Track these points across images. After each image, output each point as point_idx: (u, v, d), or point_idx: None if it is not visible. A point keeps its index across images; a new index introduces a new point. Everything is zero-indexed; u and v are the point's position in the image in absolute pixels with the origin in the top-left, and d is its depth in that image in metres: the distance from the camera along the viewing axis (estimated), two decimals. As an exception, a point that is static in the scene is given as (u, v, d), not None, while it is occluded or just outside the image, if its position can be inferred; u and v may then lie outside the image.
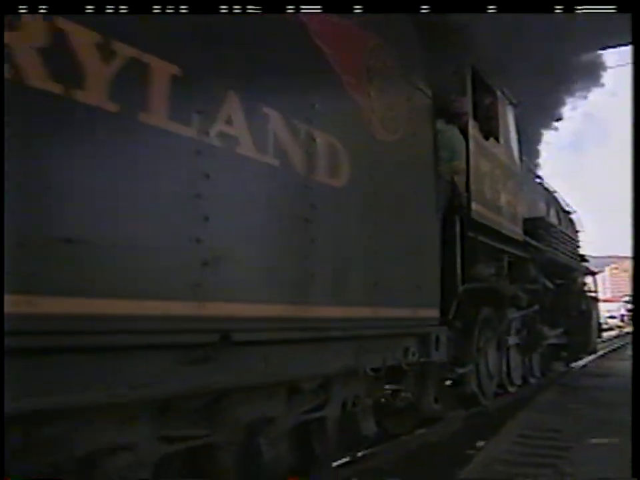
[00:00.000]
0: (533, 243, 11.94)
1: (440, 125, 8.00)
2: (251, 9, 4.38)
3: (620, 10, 4.78)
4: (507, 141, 10.56)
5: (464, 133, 8.46)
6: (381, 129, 6.56)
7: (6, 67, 3.17)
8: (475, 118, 8.87)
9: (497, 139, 9.81)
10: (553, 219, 14.90)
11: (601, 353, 21.08)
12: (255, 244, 4.71)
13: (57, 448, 3.44)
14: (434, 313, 7.48)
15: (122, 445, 3.77)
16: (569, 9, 4.81)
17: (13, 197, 3.10)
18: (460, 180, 8.23)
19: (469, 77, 8.95)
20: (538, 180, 14.39)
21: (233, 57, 4.67)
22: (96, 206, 3.50)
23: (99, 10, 3.89)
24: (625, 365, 20.66)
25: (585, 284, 18.53)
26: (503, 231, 9.90)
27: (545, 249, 12.69)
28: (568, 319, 15.51)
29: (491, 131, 9.54)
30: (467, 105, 8.67)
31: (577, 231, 18.14)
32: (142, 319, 3.68)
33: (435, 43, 7.72)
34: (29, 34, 3.40)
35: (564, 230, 15.82)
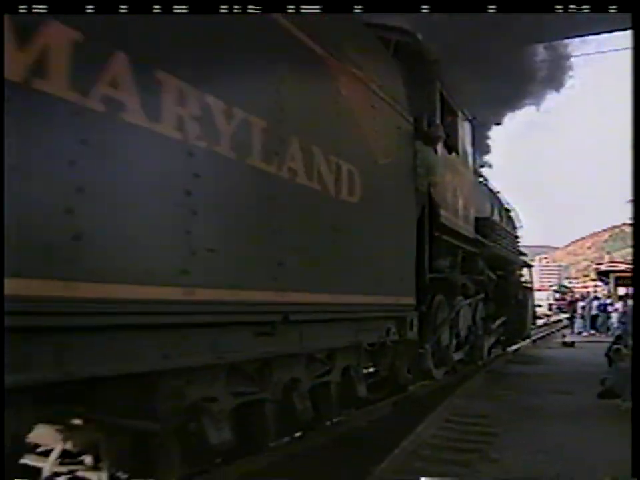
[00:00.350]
0: (481, 239, 13.85)
1: (418, 145, 9.85)
2: (251, 9, 4.63)
3: (620, 10, 4.81)
4: (464, 152, 12.76)
5: (435, 151, 10.47)
6: (380, 155, 8.37)
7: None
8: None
9: (456, 152, 12.00)
10: (496, 217, 16.88)
11: (528, 341, 23.26)
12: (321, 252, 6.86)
13: (178, 397, 5.07)
14: (411, 300, 9.51)
15: (210, 398, 5.41)
16: (569, 9, 4.81)
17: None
18: (434, 191, 10.32)
19: (439, 103, 11.07)
20: (484, 181, 16.56)
21: (299, 108, 6.47)
22: None
23: (99, 10, 3.97)
24: (551, 352, 21.18)
25: (522, 275, 21.22)
26: (460, 231, 12.03)
27: (490, 244, 14.60)
28: (507, 307, 17.33)
29: (452, 145, 11.65)
30: (441, 130, 10.54)
31: (515, 227, 20.38)
32: (237, 304, 5.39)
33: (412, 75, 9.83)
34: None
35: (505, 227, 17.94)
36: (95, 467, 5.31)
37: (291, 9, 4.68)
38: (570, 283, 71.90)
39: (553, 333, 33.07)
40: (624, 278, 42.72)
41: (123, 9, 4.02)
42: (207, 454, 5.54)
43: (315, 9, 4.67)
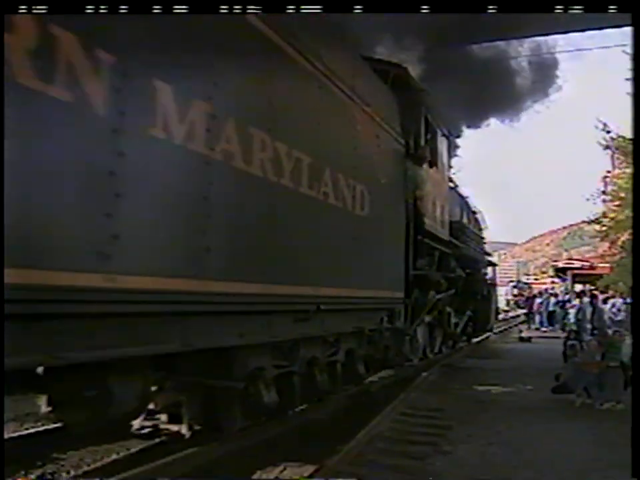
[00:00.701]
0: (454, 241, 15.80)
1: (408, 164, 11.88)
2: (251, 8, 4.93)
3: (620, 10, 4.83)
4: (441, 164, 14.42)
5: (421, 168, 12.46)
6: (382, 175, 10.30)
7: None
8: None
9: (436, 166, 13.67)
10: (465, 220, 18.73)
11: (491, 333, 24.67)
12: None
13: (244, 367, 6.94)
14: (401, 294, 11.39)
15: (261, 368, 7.22)
16: (569, 9, 4.82)
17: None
18: (419, 203, 12.18)
19: (424, 126, 12.82)
20: (455, 187, 18.05)
21: (329, 145, 8.39)
22: None
23: (99, 10, 4.08)
24: (508, 347, 21.42)
25: (486, 273, 23.18)
26: (439, 235, 13.95)
27: (461, 245, 16.78)
28: (474, 302, 19.23)
29: (432, 160, 13.26)
30: (426, 151, 12.68)
31: (480, 229, 22.29)
32: (283, 296, 7.12)
33: (403, 102, 11.57)
34: None
35: (473, 229, 20.10)
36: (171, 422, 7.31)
37: (290, 9, 4.74)
38: (528, 279, 72.73)
39: (510, 328, 33.44)
40: (581, 275, 43.42)
41: (123, 8, 4.15)
42: (261, 410, 7.42)
43: (314, 9, 4.80)
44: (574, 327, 18.43)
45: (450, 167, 16.12)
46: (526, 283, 64.45)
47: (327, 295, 8.10)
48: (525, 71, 25.70)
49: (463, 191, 19.52)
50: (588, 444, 8.07)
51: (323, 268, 8.06)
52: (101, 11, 4.04)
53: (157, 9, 4.27)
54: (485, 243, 22.98)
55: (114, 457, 7.16)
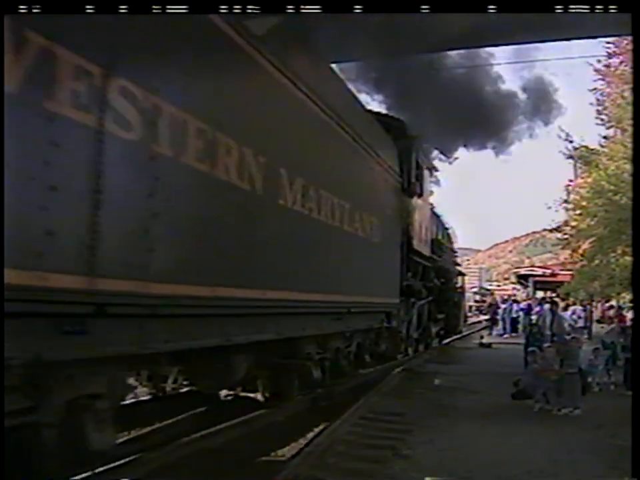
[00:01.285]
0: (433, 256, 19.11)
1: (403, 198, 14.91)
2: (251, 9, 4.88)
3: (620, 10, 4.86)
4: (425, 194, 17.48)
5: (411, 199, 15.67)
6: (387, 208, 13.37)
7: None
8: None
9: (421, 195, 16.67)
10: (440, 236, 21.83)
11: (460, 335, 27.26)
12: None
13: (302, 351, 9.53)
14: (397, 300, 14.38)
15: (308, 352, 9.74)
16: (569, 9, 4.83)
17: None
18: (410, 228, 15.43)
19: (414, 166, 15.84)
20: (432, 208, 20.34)
21: (355, 188, 11.14)
22: None
23: (99, 10, 4.14)
24: (469, 353, 21.56)
25: (457, 282, 26.55)
26: (423, 252, 17.34)
27: (437, 259, 19.92)
28: (446, 307, 22.14)
29: (419, 193, 16.35)
30: (417, 187, 15.94)
31: (452, 243, 25.96)
32: (328, 302, 9.78)
33: (399, 147, 14.64)
34: None
35: (446, 244, 23.45)
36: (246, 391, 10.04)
37: (290, 9, 4.72)
38: (490, 285, 73.36)
39: (472, 333, 33.62)
40: (542, 282, 43.86)
41: (123, 9, 4.18)
42: (311, 383, 10.10)
43: (315, 9, 4.77)
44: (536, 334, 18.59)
45: (431, 192, 19.30)
46: (487, 289, 64.97)
47: (353, 301, 10.98)
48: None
49: (438, 210, 22.24)
50: (545, 449, 8.15)
51: (351, 281, 10.90)
52: (101, 11, 4.10)
53: (156, 9, 4.32)
54: (456, 256, 27.32)
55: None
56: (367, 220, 11.56)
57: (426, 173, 17.50)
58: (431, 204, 19.78)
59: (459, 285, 26.92)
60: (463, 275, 29.24)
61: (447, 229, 24.32)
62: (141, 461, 6.42)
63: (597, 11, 4.88)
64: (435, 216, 21.03)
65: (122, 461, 6.22)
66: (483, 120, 23.02)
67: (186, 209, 5.89)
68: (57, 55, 4.29)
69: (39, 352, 4.25)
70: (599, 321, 28.26)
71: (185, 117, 5.75)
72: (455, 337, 25.53)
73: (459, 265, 28.11)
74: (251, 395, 9.90)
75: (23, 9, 3.70)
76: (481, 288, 67.01)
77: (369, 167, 12.02)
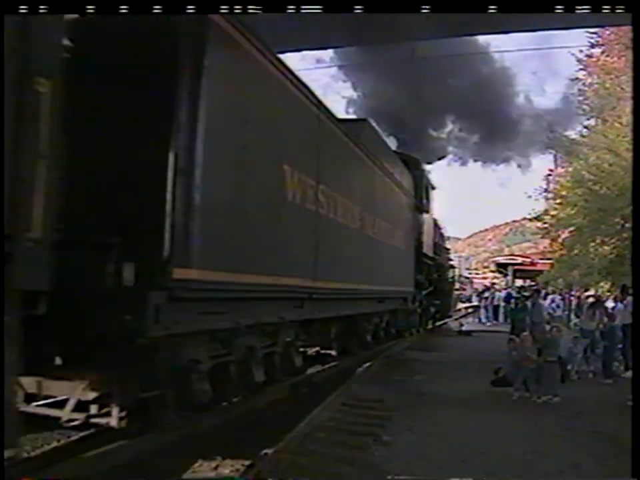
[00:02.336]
0: (434, 256, 24.50)
1: (416, 214, 20.17)
2: (251, 8, 4.94)
3: (620, 10, 4.83)
4: (430, 209, 23.57)
5: (421, 215, 21.53)
6: (407, 222, 18.77)
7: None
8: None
9: (428, 212, 22.80)
10: (437, 239, 26.59)
11: (450, 320, 31.35)
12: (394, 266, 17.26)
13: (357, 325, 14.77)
14: (412, 289, 19.58)
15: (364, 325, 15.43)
16: (569, 9, 4.80)
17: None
18: (420, 237, 20.93)
19: (424, 189, 22.01)
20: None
21: (386, 209, 15.95)
22: None
23: (99, 10, 4.23)
24: (449, 341, 21.64)
25: (449, 274, 31.75)
26: (429, 254, 22.92)
27: (436, 258, 25.40)
28: (441, 295, 27.03)
29: (427, 209, 22.58)
30: (426, 205, 22.25)
31: (444, 240, 30.87)
32: (370, 291, 14.42)
33: (413, 176, 19.88)
34: None
35: (441, 243, 28.48)
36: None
37: (291, 9, 4.75)
38: (470, 273, 73.59)
39: (446, 324, 33.85)
40: (521, 271, 44.14)
41: (123, 9, 4.24)
42: (366, 344, 15.46)
43: (315, 8, 4.81)
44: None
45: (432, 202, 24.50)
46: (467, 278, 65.19)
47: (387, 290, 15.80)
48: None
49: (436, 216, 26.53)
50: (524, 436, 8.20)
51: (386, 276, 15.63)
52: (101, 11, 4.17)
53: (157, 9, 4.37)
54: (449, 253, 33.45)
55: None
56: (396, 233, 16.95)
57: (431, 190, 23.85)
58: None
59: (450, 276, 32.22)
60: (453, 267, 35.82)
61: (440, 228, 28.79)
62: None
63: (597, 11, 4.88)
64: (435, 224, 25.96)
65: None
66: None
67: (307, 236, 9.99)
68: (301, 178, 9.37)
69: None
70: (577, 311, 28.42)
71: (334, 194, 11.13)
72: (446, 319, 30.44)
73: (451, 259, 34.68)
74: (330, 351, 14.14)
75: (23, 9, 3.75)
76: (461, 276, 67.20)
77: (398, 195, 17.51)
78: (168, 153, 6.15)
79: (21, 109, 4.19)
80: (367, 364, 12.81)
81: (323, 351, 14.00)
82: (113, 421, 6.54)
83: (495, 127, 29.46)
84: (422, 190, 21.44)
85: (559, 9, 4.81)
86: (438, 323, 27.58)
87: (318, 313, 10.79)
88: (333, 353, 13.92)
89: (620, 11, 4.79)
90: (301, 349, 11.06)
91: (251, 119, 7.58)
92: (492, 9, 4.78)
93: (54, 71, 4.55)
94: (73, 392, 6.45)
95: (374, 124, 16.72)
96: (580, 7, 4.81)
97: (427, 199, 22.50)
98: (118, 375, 6.23)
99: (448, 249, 32.74)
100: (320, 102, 10.17)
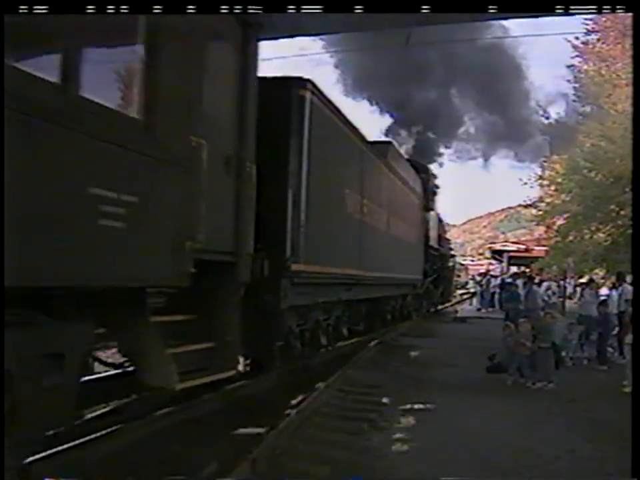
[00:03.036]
0: (439, 247, 28.06)
1: (424, 213, 24.04)
2: (252, 8, 5.07)
3: (621, 10, 4.80)
4: (434, 207, 27.35)
5: (428, 213, 25.35)
6: (417, 221, 22.32)
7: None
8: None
9: (433, 210, 26.53)
10: (440, 231, 29.36)
11: (449, 304, 34.68)
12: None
13: (385, 304, 18.70)
14: (421, 276, 23.22)
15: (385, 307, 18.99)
16: (569, 9, 4.79)
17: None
18: (427, 231, 24.60)
19: (430, 192, 25.74)
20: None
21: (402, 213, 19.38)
22: None
23: (99, 10, 4.23)
24: (444, 327, 21.69)
25: (450, 263, 34.55)
26: (434, 246, 26.42)
27: (440, 249, 28.88)
28: (443, 281, 29.98)
29: (432, 208, 26.26)
30: (432, 204, 26.44)
31: (445, 232, 33.50)
32: (398, 278, 18.79)
33: (422, 180, 23.22)
34: None
35: (443, 235, 31.40)
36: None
37: (291, 8, 4.77)
38: (464, 260, 73.64)
39: (446, 308, 33.95)
40: (516, 257, 44.20)
41: (124, 8, 4.27)
42: (386, 323, 18.80)
43: (315, 9, 4.83)
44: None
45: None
46: (462, 264, 65.24)
47: (402, 277, 19.07)
48: None
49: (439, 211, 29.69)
50: (520, 422, 8.24)
51: (402, 265, 18.66)
52: (101, 10, 4.20)
53: (157, 9, 4.42)
54: (450, 243, 36.09)
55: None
56: (410, 230, 20.30)
57: (436, 190, 27.82)
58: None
59: (450, 265, 34.70)
60: (454, 257, 38.53)
61: (441, 221, 30.76)
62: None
63: (597, 11, 4.90)
64: (439, 219, 28.96)
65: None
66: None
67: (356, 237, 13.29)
68: (353, 196, 12.83)
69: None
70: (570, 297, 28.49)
71: (371, 205, 14.32)
72: (447, 304, 33.71)
73: (452, 249, 37.27)
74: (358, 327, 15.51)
75: (22, 8, 3.76)
76: (455, 263, 67.25)
77: (411, 199, 20.82)
78: (287, 191, 9.58)
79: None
80: (363, 350, 12.88)
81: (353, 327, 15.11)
82: (240, 367, 8.65)
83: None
84: (429, 191, 25.19)
85: (559, 8, 4.81)
86: (439, 307, 30.51)
87: (359, 295, 14.31)
88: (360, 328, 15.83)
89: (620, 11, 4.77)
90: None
91: (329, 161, 11.13)
92: (492, 8, 4.81)
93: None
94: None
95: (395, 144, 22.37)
96: (579, 7, 4.80)
97: (433, 198, 26.53)
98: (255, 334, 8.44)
99: (449, 240, 35.62)
100: (363, 137, 13.74)
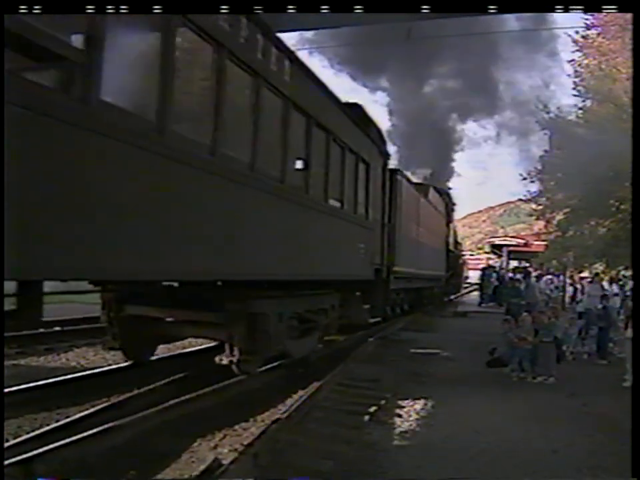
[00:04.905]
0: (453, 250, 33.71)
1: (446, 225, 30.98)
2: (253, 8, 5.26)
3: (620, 10, 4.81)
4: (452, 220, 34.97)
5: (449, 226, 32.67)
6: (442, 232, 29.38)
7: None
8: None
9: (452, 222, 34.11)
10: (455, 237, 36.06)
11: (459, 294, 41.71)
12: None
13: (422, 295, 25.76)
14: (444, 272, 30.54)
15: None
16: (569, 9, 4.78)
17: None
18: (447, 239, 31.03)
19: (450, 208, 33.14)
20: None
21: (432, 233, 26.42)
22: None
23: (99, 10, 4.29)
24: (444, 321, 21.68)
25: (461, 261, 41.50)
26: (452, 250, 32.71)
27: (455, 251, 34.33)
28: (456, 276, 36.54)
29: (452, 220, 33.93)
30: (452, 219, 34.31)
31: (455, 234, 37.70)
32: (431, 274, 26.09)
33: (445, 201, 30.70)
34: None
35: (457, 240, 37.63)
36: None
37: (291, 8, 4.84)
38: (464, 255, 73.59)
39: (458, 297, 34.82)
40: (516, 252, 44.20)
41: (124, 9, 4.32)
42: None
43: (315, 9, 4.91)
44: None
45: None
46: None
47: (436, 274, 26.63)
48: None
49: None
50: (520, 416, 8.26)
51: (434, 265, 25.91)
52: (101, 10, 4.26)
53: (157, 9, 4.46)
54: (461, 245, 43.32)
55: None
56: (438, 240, 27.47)
57: (454, 207, 34.95)
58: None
59: (461, 262, 41.48)
60: (464, 256, 46.47)
61: (456, 232, 38.22)
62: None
63: (597, 11, 4.91)
64: (454, 229, 35.38)
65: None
66: None
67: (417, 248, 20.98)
68: (417, 226, 21.57)
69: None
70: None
71: (422, 229, 22.10)
72: (458, 294, 40.66)
73: (462, 250, 45.17)
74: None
75: (22, 8, 3.78)
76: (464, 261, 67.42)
77: (439, 218, 27.73)
78: (395, 233, 16.68)
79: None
80: (362, 345, 12.92)
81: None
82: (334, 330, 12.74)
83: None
84: (449, 209, 32.36)
85: (559, 9, 4.80)
86: (452, 297, 36.99)
87: (416, 285, 21.93)
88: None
89: (614, 10, 4.78)
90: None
91: (407, 212, 18.71)
92: (492, 8, 4.80)
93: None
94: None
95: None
96: (579, 7, 4.80)
97: (451, 215, 33.53)
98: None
99: (460, 243, 42.92)
100: (422, 189, 23.20)
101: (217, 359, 9.39)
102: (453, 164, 44.36)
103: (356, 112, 12.71)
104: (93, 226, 4.87)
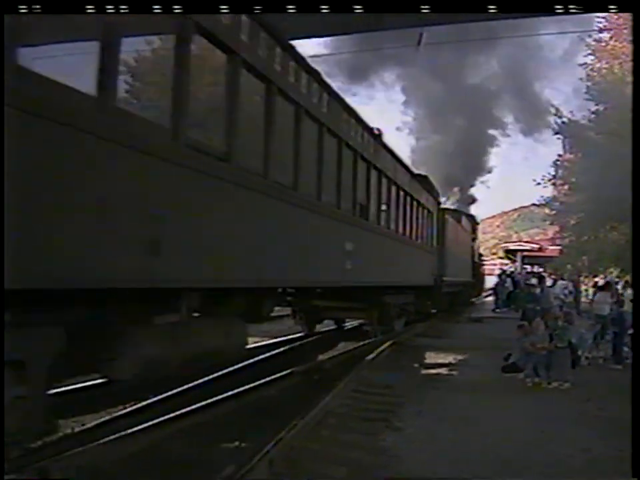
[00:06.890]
0: (477, 260, 40.09)
1: (472, 242, 37.13)
2: (252, 9, 5.34)
3: (620, 10, 4.83)
4: (477, 236, 42.51)
5: (474, 240, 38.71)
6: (469, 248, 34.95)
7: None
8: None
9: (477, 238, 41.44)
10: (479, 250, 42.82)
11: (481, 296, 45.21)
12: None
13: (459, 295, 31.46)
14: (471, 279, 35.28)
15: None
16: (568, 9, 4.80)
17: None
18: (474, 252, 37.07)
19: (475, 226, 40.09)
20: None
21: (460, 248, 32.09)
22: None
23: (99, 10, 4.26)
24: (457, 327, 21.62)
25: (481, 268, 44.25)
26: (475, 260, 38.29)
27: (477, 261, 40.02)
28: (478, 282, 40.27)
29: (476, 237, 40.59)
30: (476, 236, 40.13)
31: (479, 248, 43.19)
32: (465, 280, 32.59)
33: (470, 222, 36.42)
34: None
35: (479, 252, 42.54)
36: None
37: (291, 8, 4.79)
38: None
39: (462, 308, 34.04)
40: (530, 257, 44.10)
41: (123, 9, 4.29)
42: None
43: (315, 9, 4.87)
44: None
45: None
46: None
47: (465, 280, 31.44)
48: None
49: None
50: (536, 421, 8.23)
51: (464, 273, 31.35)
52: (101, 10, 4.25)
53: (157, 9, 4.44)
54: (482, 256, 47.10)
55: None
56: (467, 253, 32.61)
57: (475, 222, 39.75)
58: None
59: (482, 270, 44.63)
60: (484, 264, 48.69)
61: (479, 246, 43.38)
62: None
63: (597, 11, 4.92)
64: (478, 245, 40.70)
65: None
66: None
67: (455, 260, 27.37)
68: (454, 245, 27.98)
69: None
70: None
71: (457, 245, 28.94)
72: (479, 296, 44.35)
73: (483, 260, 48.09)
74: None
75: (22, 8, 3.82)
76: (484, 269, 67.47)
77: (468, 237, 33.12)
78: (445, 254, 23.63)
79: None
80: (377, 350, 12.92)
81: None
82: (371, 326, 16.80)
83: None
84: (475, 230, 38.27)
85: (559, 9, 4.80)
86: (473, 299, 40.31)
87: (454, 289, 26.90)
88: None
89: (614, 11, 4.78)
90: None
91: (452, 237, 26.07)
92: (492, 9, 4.80)
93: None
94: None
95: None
96: (579, 7, 4.80)
97: (475, 232, 38.47)
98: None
99: (482, 254, 47.17)
100: (455, 216, 28.69)
101: (363, 328, 17.83)
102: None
103: (425, 180, 21.30)
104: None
